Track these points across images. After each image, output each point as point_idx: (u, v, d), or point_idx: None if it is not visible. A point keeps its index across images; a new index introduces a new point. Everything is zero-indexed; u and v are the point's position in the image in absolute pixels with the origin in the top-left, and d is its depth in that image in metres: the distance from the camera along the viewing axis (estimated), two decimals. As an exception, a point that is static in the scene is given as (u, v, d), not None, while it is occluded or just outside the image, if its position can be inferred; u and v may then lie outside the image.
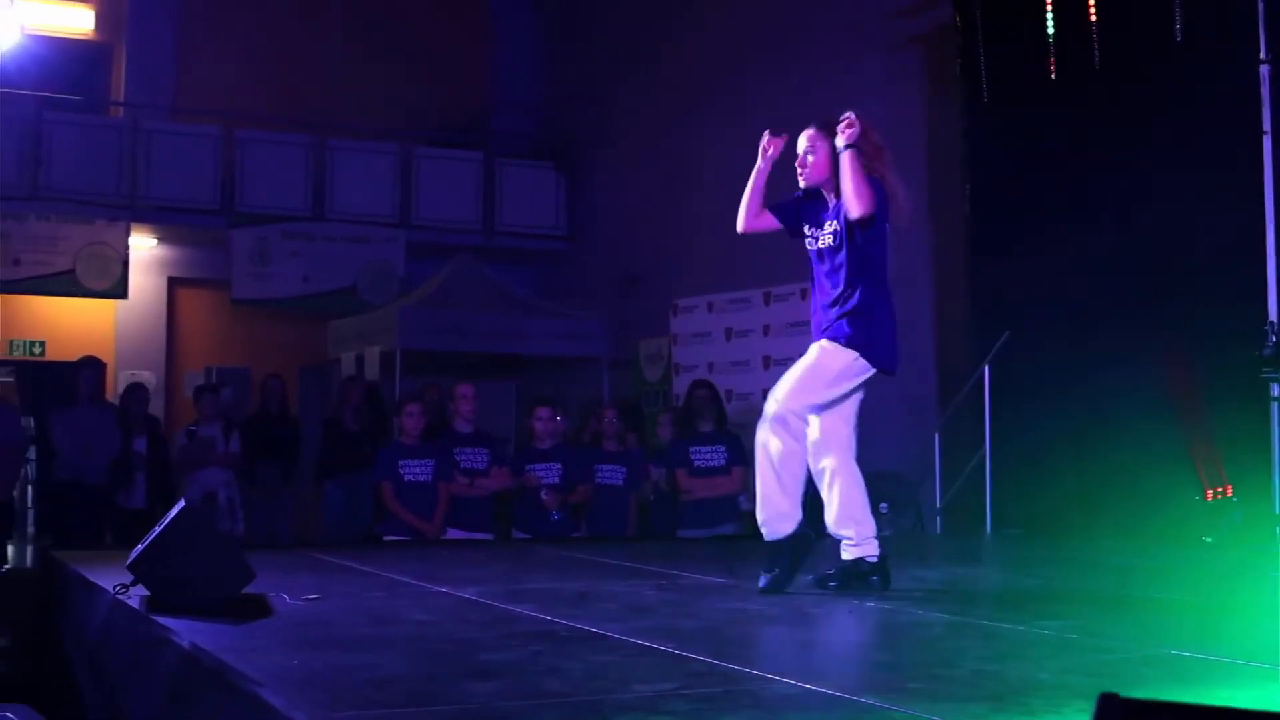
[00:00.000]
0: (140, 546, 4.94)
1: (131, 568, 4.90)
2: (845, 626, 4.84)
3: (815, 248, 5.85)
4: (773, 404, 5.56)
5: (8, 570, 9.93)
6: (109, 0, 17.66)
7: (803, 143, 5.87)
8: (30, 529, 12.38)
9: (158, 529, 4.94)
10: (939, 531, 10.50)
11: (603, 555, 7.63)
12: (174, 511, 4.96)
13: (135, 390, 11.64)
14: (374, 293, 16.68)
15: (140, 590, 4.97)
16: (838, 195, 5.70)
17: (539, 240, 18.12)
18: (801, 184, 5.89)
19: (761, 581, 5.55)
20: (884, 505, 11.39)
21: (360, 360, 14.68)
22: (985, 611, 5.08)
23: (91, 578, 5.51)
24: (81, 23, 17.71)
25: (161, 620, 4.44)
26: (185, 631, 4.17)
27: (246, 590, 5.06)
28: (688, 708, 3.25)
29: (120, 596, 5.00)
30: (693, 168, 15.09)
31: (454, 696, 3.37)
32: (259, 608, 4.89)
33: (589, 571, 6.80)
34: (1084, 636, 4.44)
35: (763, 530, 5.60)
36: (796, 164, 5.89)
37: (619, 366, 15.62)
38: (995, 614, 4.98)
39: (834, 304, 5.67)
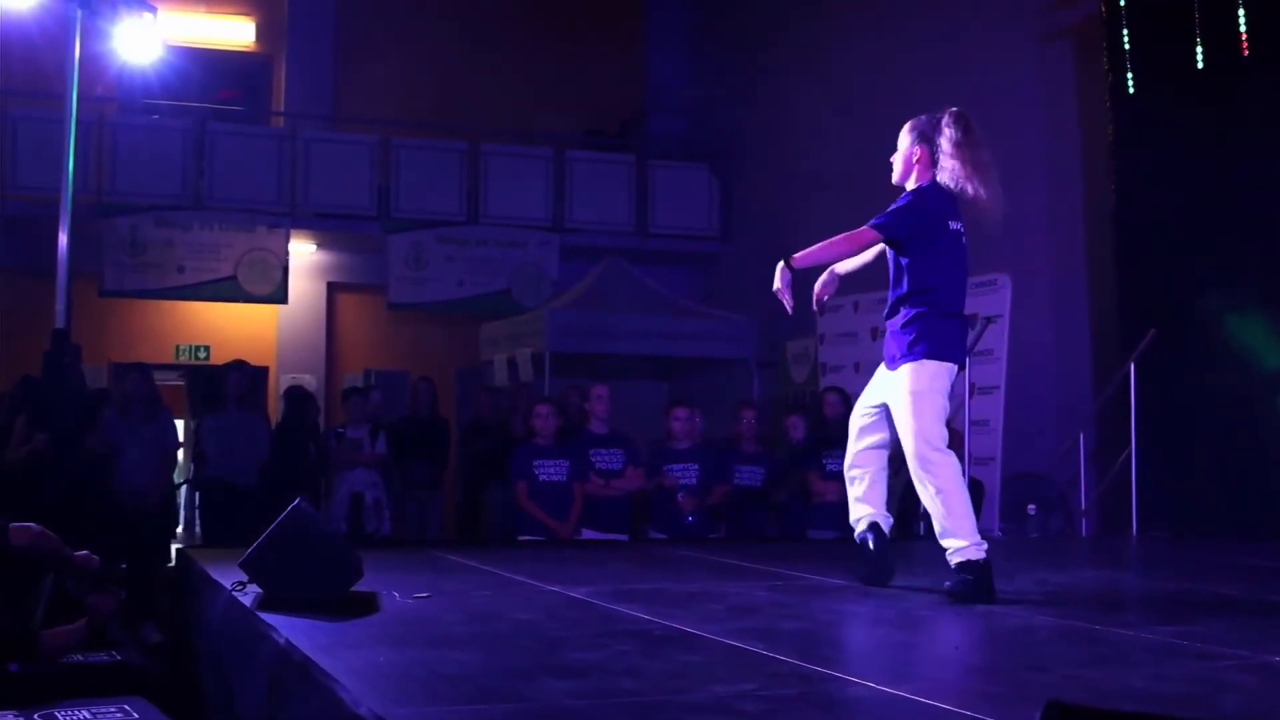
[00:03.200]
0: (252, 546, 5.05)
1: (244, 566, 5.02)
2: (949, 630, 4.76)
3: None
4: (910, 456, 5.51)
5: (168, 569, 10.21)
6: (269, 13, 18.10)
7: (900, 137, 5.86)
8: (179, 530, 12.71)
9: (269, 529, 5.05)
10: (1085, 533, 10.28)
11: (727, 556, 7.60)
12: (285, 511, 5.06)
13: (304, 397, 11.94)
14: (527, 295, 16.83)
15: (256, 588, 5.08)
16: None
17: (692, 241, 18.11)
18: (894, 180, 5.88)
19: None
20: (1031, 506, 11.21)
21: (512, 363, 14.80)
22: (1099, 615, 4.95)
23: (216, 576, 5.65)
24: (243, 35, 18.18)
25: (267, 617, 4.53)
26: (285, 628, 4.25)
27: (359, 588, 5.15)
28: (756, 709, 3.23)
29: (235, 594, 5.12)
30: (843, 166, 14.96)
31: (525, 694, 3.39)
32: (366, 605, 4.97)
33: (709, 572, 6.78)
34: (1193, 642, 4.31)
35: (966, 555, 5.40)
36: (891, 158, 5.86)
37: (767, 367, 15.54)
38: (1108, 618, 4.87)
39: (892, 322, 5.69)
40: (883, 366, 5.79)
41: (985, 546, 5.33)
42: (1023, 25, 12.67)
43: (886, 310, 5.71)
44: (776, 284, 5.81)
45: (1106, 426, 10.44)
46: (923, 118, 5.73)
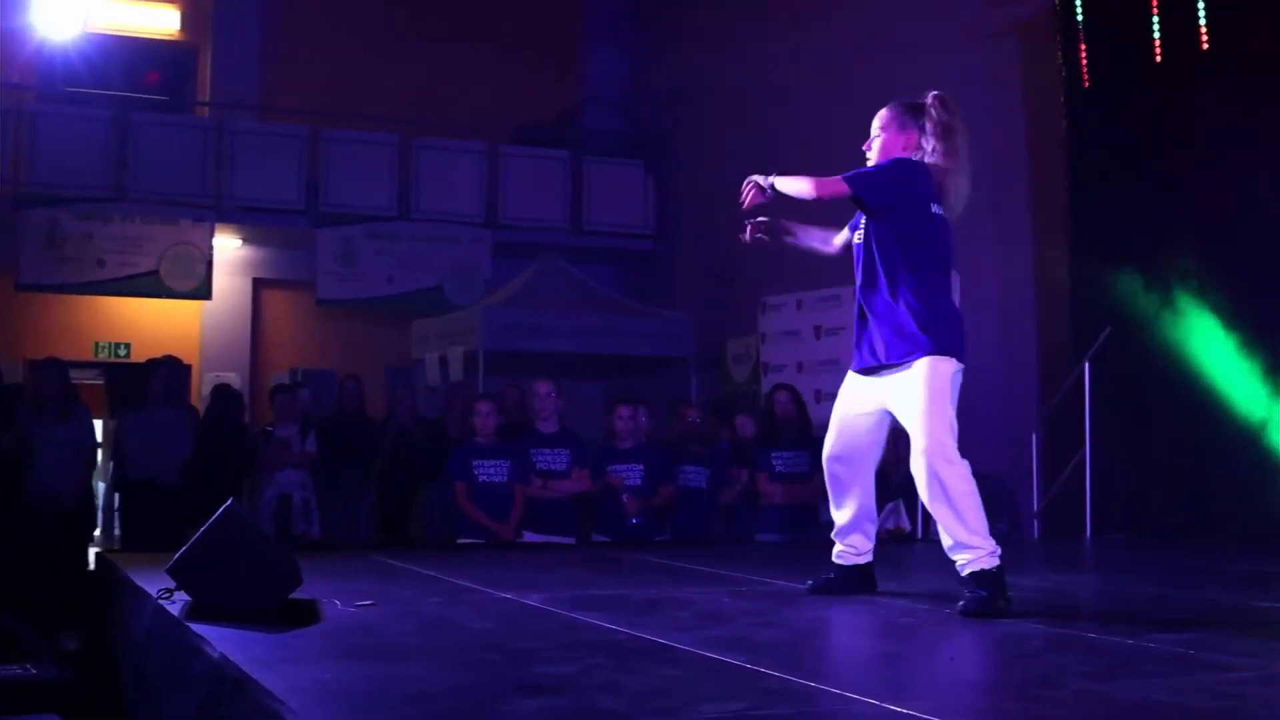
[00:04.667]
0: (181, 550, 4.65)
1: (172, 572, 4.62)
2: (937, 639, 4.45)
3: (855, 242, 5.46)
4: (921, 461, 5.01)
5: (86, 573, 9.76)
6: (195, 1, 17.59)
7: (875, 122, 5.45)
8: (98, 532, 12.22)
9: (199, 532, 4.66)
10: (1036, 536, 10.03)
11: (681, 559, 7.28)
12: (217, 514, 4.67)
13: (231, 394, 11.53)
14: (460, 293, 16.47)
15: (185, 596, 4.69)
16: None
17: (627, 239, 17.82)
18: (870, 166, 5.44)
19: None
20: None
21: (444, 361, 14.44)
22: (1088, 623, 4.67)
23: (139, 582, 5.25)
24: (168, 23, 17.67)
25: (198, 628, 4.15)
26: (219, 640, 3.88)
27: (298, 595, 4.77)
28: (755, 731, 2.90)
29: (162, 602, 4.73)
30: (783, 164, 14.69)
31: (497, 714, 3.05)
32: (306, 614, 4.59)
33: (664, 576, 6.46)
34: (1201, 651, 4.03)
35: (980, 565, 4.94)
36: (864, 146, 5.49)
37: (706, 366, 15.26)
38: (1099, 625, 4.58)
39: (881, 309, 5.24)
40: (862, 378, 5.36)
41: (999, 552, 4.95)
42: (969, 21, 12.45)
43: (873, 302, 5.26)
44: (745, 198, 5.39)
45: (1057, 427, 10.20)
46: (904, 100, 5.40)
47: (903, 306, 5.14)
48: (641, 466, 9.35)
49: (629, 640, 4.15)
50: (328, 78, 17.34)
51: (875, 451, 5.50)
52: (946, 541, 5.00)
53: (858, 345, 5.36)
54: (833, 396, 12.17)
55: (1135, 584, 6.39)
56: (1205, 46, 9.19)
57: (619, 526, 9.19)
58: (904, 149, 5.31)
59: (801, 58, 14.79)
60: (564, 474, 9.15)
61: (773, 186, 5.29)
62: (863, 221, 5.35)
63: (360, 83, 17.44)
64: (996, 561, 4.92)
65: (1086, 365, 9.69)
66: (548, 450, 9.16)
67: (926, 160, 5.24)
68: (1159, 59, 9.51)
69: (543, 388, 9.34)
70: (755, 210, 5.47)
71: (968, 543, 4.94)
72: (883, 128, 5.38)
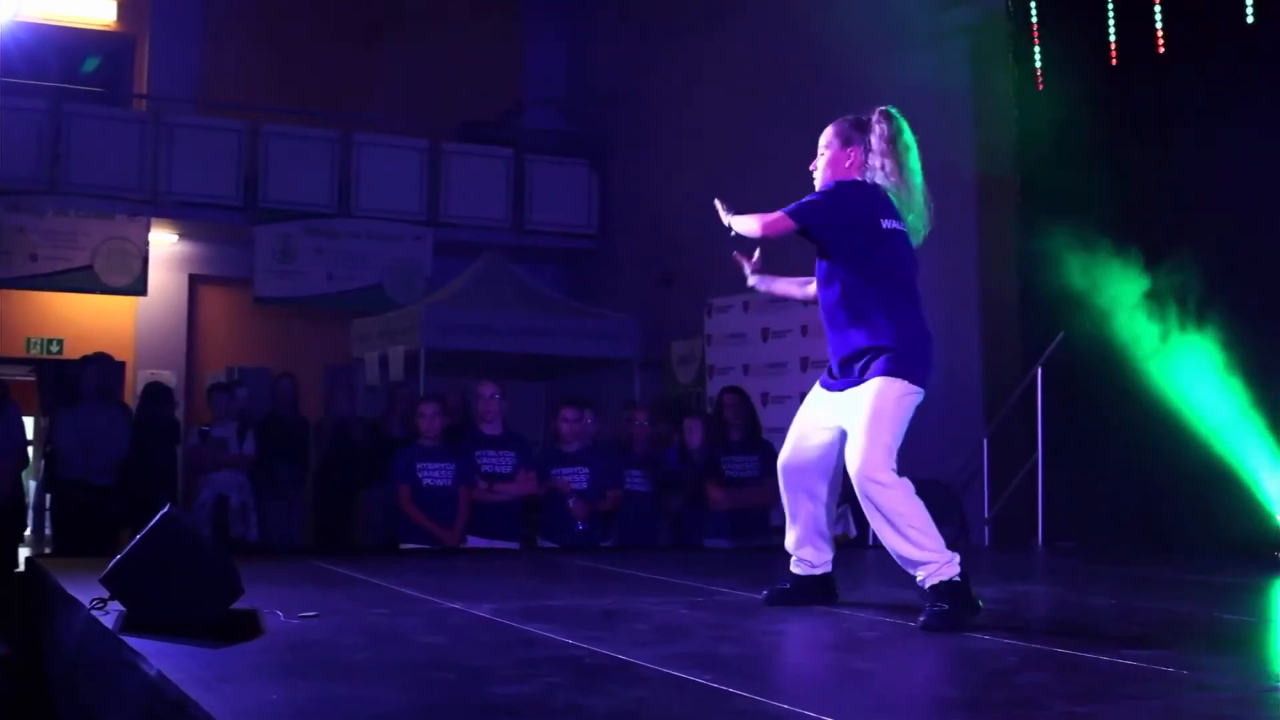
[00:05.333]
0: (116, 558, 4.43)
1: (105, 582, 4.40)
2: (906, 655, 4.29)
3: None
4: (854, 480, 4.85)
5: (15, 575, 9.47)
6: (132, -9, 17.29)
7: (821, 139, 5.27)
8: (28, 532, 11.92)
9: (136, 539, 4.43)
10: (986, 544, 9.93)
11: (631, 567, 7.12)
12: (154, 520, 4.45)
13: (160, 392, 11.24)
14: (400, 291, 16.27)
15: (119, 606, 4.47)
16: None
17: (570, 239, 17.67)
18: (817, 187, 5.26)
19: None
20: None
21: (384, 360, 14.21)
22: (1058, 637, 4.51)
23: (71, 590, 5.02)
24: (104, 13, 17.31)
25: (133, 642, 3.93)
26: (156, 656, 3.66)
27: (237, 606, 4.56)
28: (732, 760, 2.73)
29: (95, 613, 4.50)
30: (729, 164, 14.57)
31: (455, 742, 2.86)
32: (247, 627, 4.38)
33: (616, 585, 6.29)
34: (1179, 669, 3.90)
35: (939, 576, 4.76)
36: (811, 166, 5.31)
37: (650, 368, 15.11)
38: (1070, 640, 4.42)
39: (841, 332, 5.08)
40: (826, 392, 5.19)
41: (958, 559, 4.79)
42: (917, 24, 12.34)
43: (834, 326, 5.09)
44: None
45: (1011, 432, 10.10)
46: (848, 118, 5.22)
47: (862, 330, 4.97)
48: (587, 470, 9.17)
49: (588, 657, 3.97)
50: (268, 71, 17.06)
51: (826, 465, 5.32)
52: (898, 558, 4.86)
53: (829, 365, 5.21)
54: (780, 400, 12.24)
55: (1097, 595, 6.27)
56: (1161, 49, 9.11)
57: (565, 531, 9.00)
58: (849, 166, 5.14)
59: (746, 58, 14.66)
60: (509, 477, 8.96)
61: (730, 227, 5.12)
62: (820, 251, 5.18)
63: (301, 77, 17.17)
64: (957, 570, 4.76)
65: (1039, 371, 9.59)
66: (492, 452, 8.97)
67: (875, 177, 5.07)
68: (1114, 61, 9.43)
69: (487, 389, 9.14)
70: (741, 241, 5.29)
71: (917, 559, 4.79)
72: (827, 145, 5.22)
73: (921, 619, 4.66)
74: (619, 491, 9.36)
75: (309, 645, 4.11)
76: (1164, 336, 9.10)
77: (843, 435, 5.11)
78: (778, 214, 5.03)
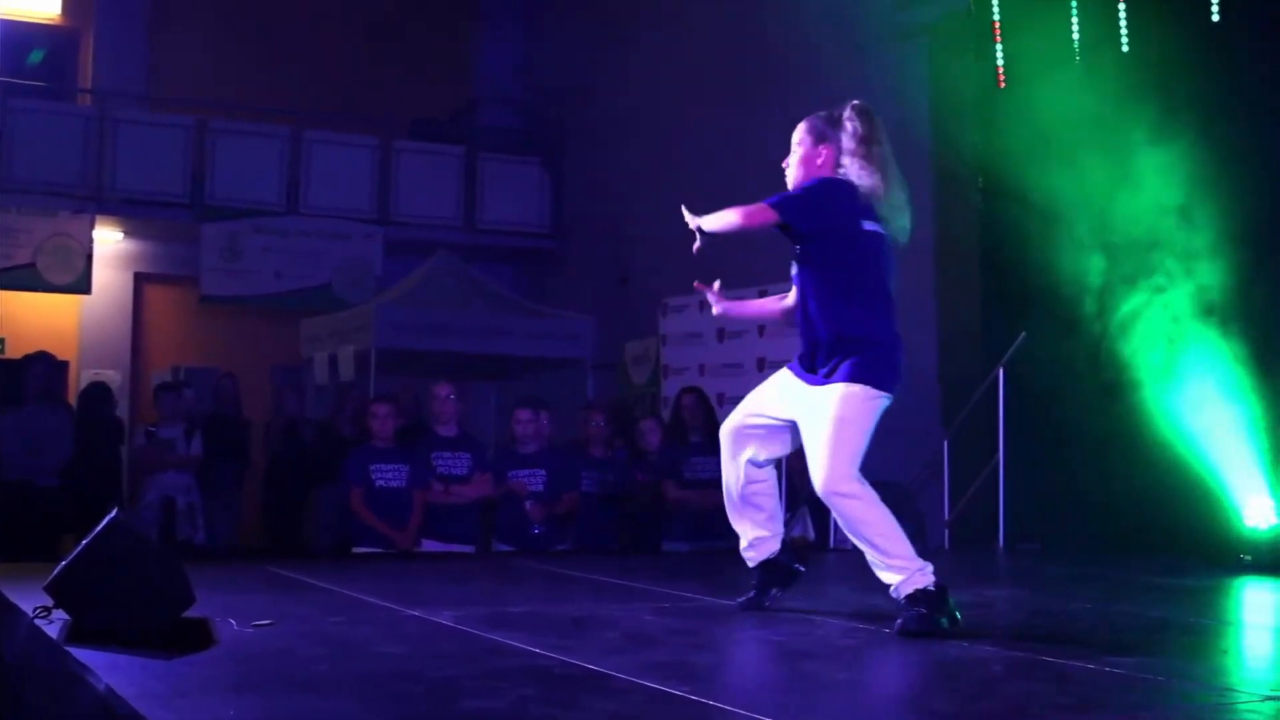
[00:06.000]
0: (61, 564, 4.23)
1: (50, 589, 4.20)
2: (888, 665, 4.15)
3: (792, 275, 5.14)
4: (819, 488, 4.74)
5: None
6: (77, -17, 16.97)
7: (794, 136, 5.11)
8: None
9: (82, 545, 4.24)
10: (946, 546, 9.82)
11: (592, 571, 6.96)
12: (101, 524, 4.25)
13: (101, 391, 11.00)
14: (350, 290, 16.02)
15: (63, 614, 4.27)
16: None
17: (523, 238, 17.47)
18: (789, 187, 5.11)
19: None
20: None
21: (334, 360, 13.99)
22: (1040, 644, 4.38)
23: (12, 597, 4.81)
24: (48, 6, 16.99)
25: (80, 654, 3.74)
26: (105, 670, 3.47)
27: (187, 613, 4.36)
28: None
29: (39, 622, 4.30)
30: (685, 163, 14.44)
31: (426, 762, 2.69)
32: (199, 636, 4.19)
33: (579, 590, 6.13)
34: (1169, 678, 3.78)
35: (914, 585, 4.62)
36: (783, 163, 5.14)
37: (604, 369, 14.96)
38: (1051, 647, 4.29)
39: (816, 333, 4.94)
40: (792, 377, 5.05)
41: (931, 568, 4.66)
42: (876, 22, 12.23)
43: (809, 326, 4.94)
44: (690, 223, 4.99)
45: (971, 433, 9.99)
46: (821, 115, 5.07)
47: (831, 330, 4.84)
48: (544, 472, 9.02)
49: (558, 667, 3.81)
50: (216, 67, 16.78)
51: (769, 442, 5.15)
52: (871, 563, 4.73)
53: (795, 360, 5.07)
54: (736, 400, 12.01)
55: (1069, 599, 6.16)
56: (1125, 48, 9.03)
57: (521, 534, 8.84)
58: (821, 164, 4.99)
59: (702, 56, 14.54)
60: (465, 479, 8.80)
61: (700, 231, 4.92)
62: (796, 251, 5.02)
63: (249, 73, 16.91)
64: (931, 579, 4.63)
65: (1000, 371, 9.49)
66: (448, 454, 8.80)
67: (848, 176, 4.93)
68: (1078, 60, 9.34)
69: (443, 390, 8.97)
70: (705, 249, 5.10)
71: (891, 567, 4.66)
72: (799, 142, 5.06)
73: (898, 623, 4.53)
74: (575, 494, 9.21)
75: (265, 656, 3.93)
76: (1128, 337, 9.05)
77: (792, 428, 4.98)
78: (759, 205, 4.87)
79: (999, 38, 9.93)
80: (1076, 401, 9.37)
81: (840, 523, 4.75)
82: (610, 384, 14.94)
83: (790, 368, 5.10)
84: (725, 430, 5.23)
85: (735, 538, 9.17)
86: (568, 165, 17.41)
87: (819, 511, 9.51)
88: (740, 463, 5.17)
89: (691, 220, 4.97)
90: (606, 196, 16.24)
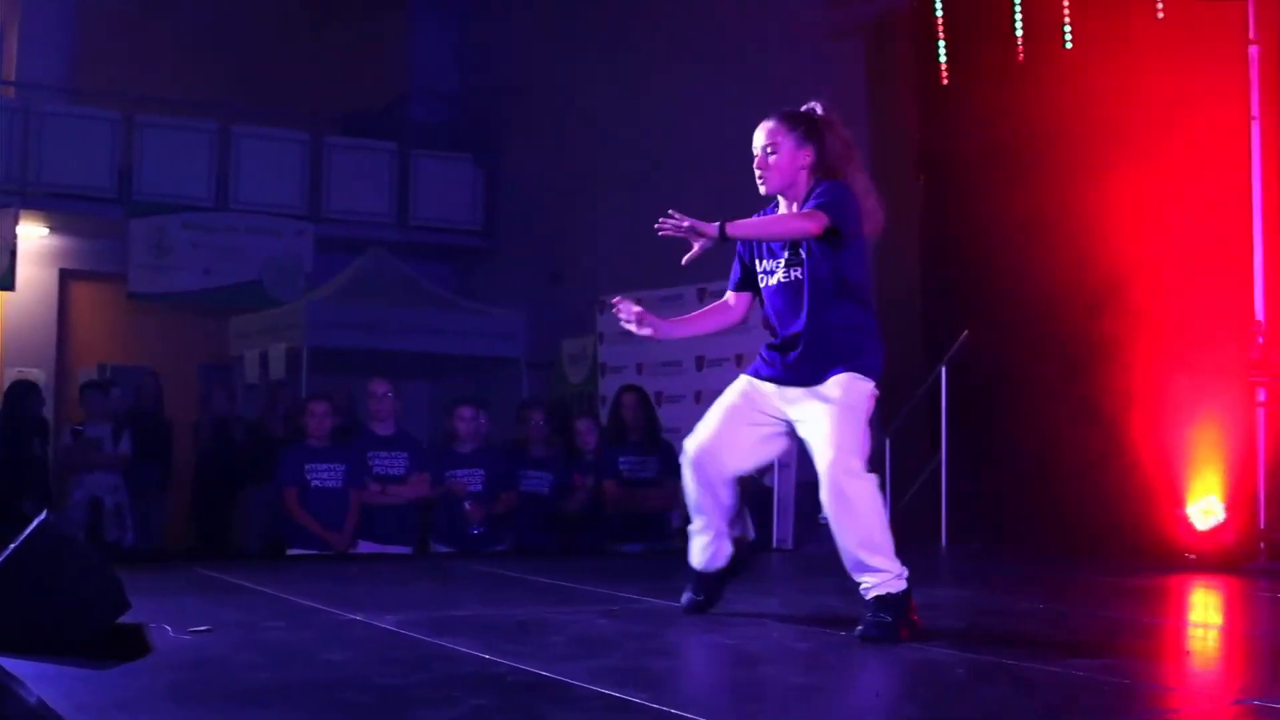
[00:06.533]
0: (-13, 568, 4.03)
1: (-24, 595, 4.00)
2: (847, 668, 4.04)
3: (770, 284, 4.89)
4: (827, 475, 4.54)
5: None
6: (1, -27, 16.63)
7: (760, 138, 4.83)
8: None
9: (9, 548, 4.04)
10: (888, 545, 9.74)
11: (533, 573, 6.83)
12: (30, 527, 4.05)
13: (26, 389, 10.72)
14: (280, 287, 15.80)
15: (-10, 621, 4.08)
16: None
17: (456, 235, 17.30)
18: (761, 190, 4.87)
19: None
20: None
21: (264, 358, 13.77)
22: (1002, 647, 4.28)
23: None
24: (-31, -3, 16.65)
25: (9, 663, 3.55)
26: (35, 681, 3.30)
27: (120, 621, 4.18)
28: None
29: (-36, 629, 4.10)
30: (621, 159, 14.33)
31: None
32: (134, 644, 3.98)
33: (523, 593, 5.99)
34: (1135, 681, 3.70)
35: (887, 588, 4.51)
36: (755, 164, 4.86)
37: (539, 367, 14.82)
38: (1013, 650, 4.19)
39: (809, 338, 4.74)
40: (769, 386, 4.87)
41: (907, 574, 4.55)
42: (811, 21, 12.17)
43: (800, 332, 4.74)
44: (681, 225, 4.59)
45: (913, 432, 9.93)
46: (795, 113, 4.90)
47: (833, 332, 4.69)
48: (483, 471, 8.87)
49: (510, 674, 3.67)
50: (143, 59, 16.46)
51: (745, 459, 5.01)
52: (849, 562, 4.60)
53: (767, 361, 4.89)
54: (674, 399, 12.02)
55: (1021, 600, 6.08)
56: (1070, 45, 9.00)
57: (460, 535, 8.69)
58: (803, 166, 4.83)
59: (637, 53, 14.42)
60: (402, 479, 8.64)
61: (722, 232, 4.62)
62: (785, 256, 4.85)
63: (178, 65, 16.60)
64: (904, 585, 4.53)
65: (943, 369, 9.43)
66: (385, 453, 8.64)
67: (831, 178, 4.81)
68: (1021, 58, 9.30)
69: (380, 387, 8.81)
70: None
71: (872, 565, 4.53)
72: (780, 142, 4.80)
73: (860, 629, 4.41)
74: (514, 493, 9.07)
75: (204, 664, 3.77)
76: (1062, 337, 9.03)
77: (778, 433, 4.85)
78: (811, 212, 4.63)
79: (942, 35, 9.86)
80: (1019, 400, 9.32)
81: (840, 509, 4.52)
82: (546, 382, 14.81)
83: (757, 375, 4.92)
84: (690, 447, 5.00)
85: (675, 538, 9.15)
86: (501, 162, 17.26)
87: (759, 510, 9.43)
88: (714, 488, 4.98)
89: (703, 225, 4.68)
90: (541, 194, 16.10)
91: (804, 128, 4.83)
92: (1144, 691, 3.60)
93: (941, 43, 9.89)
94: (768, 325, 5.01)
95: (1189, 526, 7.82)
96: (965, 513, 9.32)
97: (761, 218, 4.82)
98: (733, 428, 4.91)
